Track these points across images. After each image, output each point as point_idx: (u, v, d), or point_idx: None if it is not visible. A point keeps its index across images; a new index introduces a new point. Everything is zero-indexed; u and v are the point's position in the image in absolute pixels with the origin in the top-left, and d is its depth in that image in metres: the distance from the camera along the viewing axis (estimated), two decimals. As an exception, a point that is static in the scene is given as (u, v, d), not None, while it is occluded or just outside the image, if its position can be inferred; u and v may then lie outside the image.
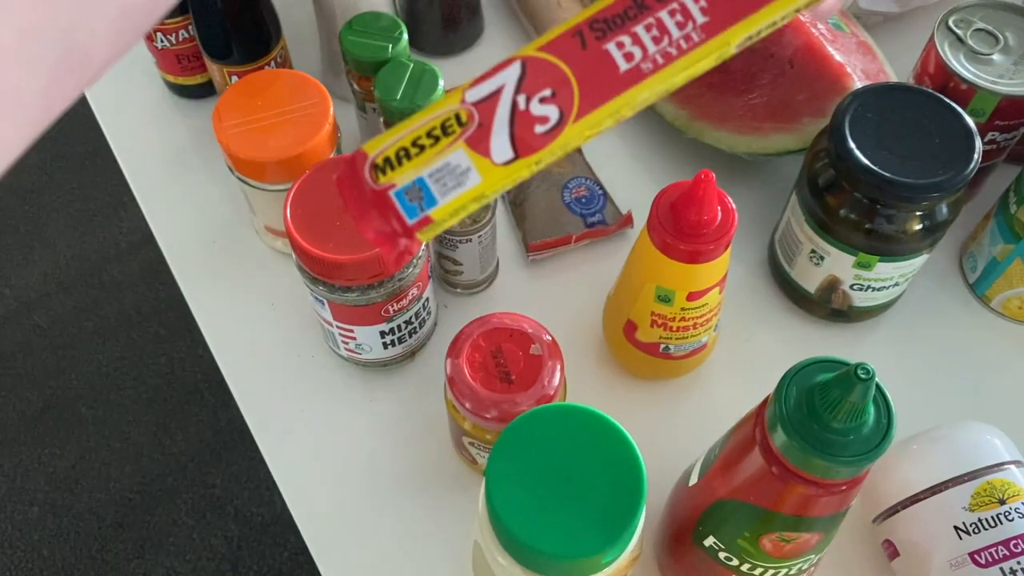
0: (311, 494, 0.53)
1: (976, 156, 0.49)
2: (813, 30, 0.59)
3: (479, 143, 0.23)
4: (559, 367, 0.48)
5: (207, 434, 1.43)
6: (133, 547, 1.34)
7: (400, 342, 0.54)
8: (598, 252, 0.63)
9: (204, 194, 0.66)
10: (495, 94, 0.23)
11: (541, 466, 0.35)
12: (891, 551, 0.48)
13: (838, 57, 0.58)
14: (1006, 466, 0.47)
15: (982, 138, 0.57)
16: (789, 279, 0.59)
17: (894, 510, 0.48)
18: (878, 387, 0.34)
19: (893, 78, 0.62)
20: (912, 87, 0.52)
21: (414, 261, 0.50)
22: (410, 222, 0.24)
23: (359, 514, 0.52)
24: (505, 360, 0.48)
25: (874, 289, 0.55)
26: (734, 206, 0.47)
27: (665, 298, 0.50)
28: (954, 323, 0.60)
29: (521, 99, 0.23)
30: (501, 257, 0.63)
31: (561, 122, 0.23)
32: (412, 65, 0.55)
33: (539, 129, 0.23)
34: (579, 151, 0.66)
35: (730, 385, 0.57)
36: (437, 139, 0.23)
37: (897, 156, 0.49)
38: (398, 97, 0.54)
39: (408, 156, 0.23)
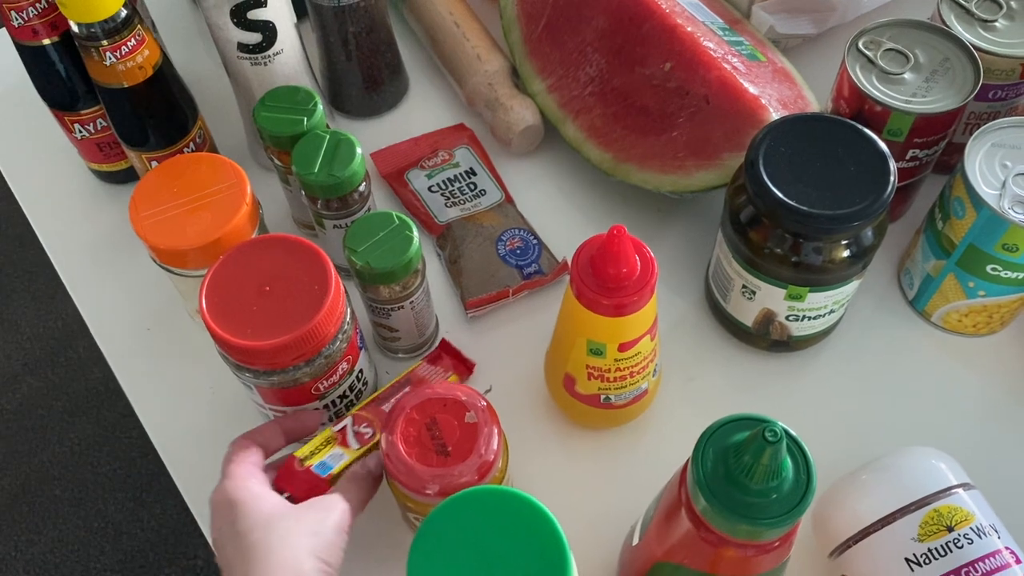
0: None
1: (892, 180, 0.49)
2: (725, 65, 0.59)
3: (343, 443, 0.50)
4: (496, 431, 0.47)
5: (185, 504, 1.40)
6: (118, 628, 1.31)
7: (338, 416, 0.53)
8: (537, 302, 0.62)
9: (135, 280, 0.65)
10: (344, 427, 0.51)
11: (464, 554, 0.34)
12: (848, 587, 0.48)
13: (752, 90, 0.58)
14: (953, 491, 0.46)
15: (903, 157, 0.57)
16: (726, 313, 0.58)
17: (847, 545, 0.47)
18: (794, 440, 0.34)
19: (813, 102, 0.62)
20: (823, 116, 0.52)
21: (339, 336, 0.49)
22: (323, 476, 0.49)
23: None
24: (440, 432, 0.47)
25: (810, 319, 0.55)
26: (652, 255, 0.47)
27: (597, 351, 0.49)
28: (897, 341, 0.60)
29: (355, 427, 0.51)
30: (441, 315, 0.62)
31: (374, 434, 0.50)
32: (328, 136, 0.55)
33: (366, 436, 0.50)
34: (511, 201, 0.65)
35: (678, 428, 0.57)
36: (326, 444, 0.50)
37: (814, 188, 0.49)
38: (315, 170, 0.54)
39: (314, 455, 0.49)
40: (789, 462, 0.33)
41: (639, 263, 0.46)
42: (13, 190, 0.71)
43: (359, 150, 0.55)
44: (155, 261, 0.55)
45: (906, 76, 0.56)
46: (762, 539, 0.34)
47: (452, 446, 0.46)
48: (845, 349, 0.59)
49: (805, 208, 0.48)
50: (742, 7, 0.68)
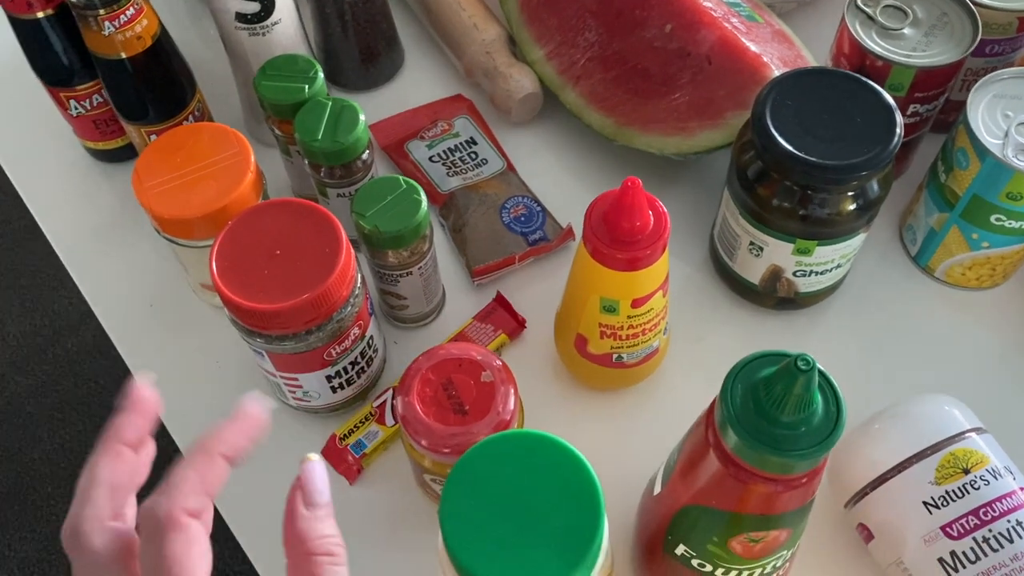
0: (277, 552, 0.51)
1: (899, 130, 0.49)
2: (726, 24, 0.59)
3: (380, 420, 0.55)
4: (512, 390, 0.47)
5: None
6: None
7: (348, 384, 0.53)
8: (543, 268, 0.62)
9: (136, 258, 0.64)
10: (383, 402, 0.55)
11: (495, 498, 0.34)
12: (866, 534, 0.48)
13: (754, 48, 0.58)
14: (966, 435, 0.47)
15: (904, 112, 0.58)
16: (732, 273, 0.58)
17: (863, 493, 0.48)
18: (823, 374, 0.34)
19: (811, 63, 0.62)
20: (828, 70, 0.52)
21: (350, 300, 0.49)
22: (357, 455, 0.54)
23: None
24: (457, 391, 0.47)
25: (817, 273, 0.55)
26: (665, 208, 0.47)
27: (610, 308, 0.49)
28: (902, 296, 0.60)
29: (394, 401, 0.53)
30: (447, 285, 0.62)
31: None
32: (331, 103, 0.55)
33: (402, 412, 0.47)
34: (513, 170, 0.65)
35: (687, 387, 0.57)
36: (364, 421, 0.55)
37: (821, 140, 0.50)
38: (319, 137, 0.53)
39: (352, 433, 0.54)
40: (818, 396, 0.33)
41: (652, 216, 0.46)
42: (6, 170, 0.70)
43: (362, 117, 0.54)
44: (159, 233, 0.55)
45: (905, 31, 0.56)
46: (792, 472, 0.34)
47: (469, 405, 0.46)
48: (850, 306, 0.60)
49: (813, 159, 0.49)
50: (737, -29, 0.68)
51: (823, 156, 0.49)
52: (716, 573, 0.41)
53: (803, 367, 0.31)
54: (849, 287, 0.60)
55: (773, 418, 0.33)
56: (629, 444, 0.55)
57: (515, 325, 0.59)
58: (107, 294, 0.63)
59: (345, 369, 0.52)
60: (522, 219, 0.62)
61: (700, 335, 0.59)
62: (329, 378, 0.51)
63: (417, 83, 0.72)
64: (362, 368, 0.53)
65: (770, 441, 0.33)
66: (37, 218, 0.67)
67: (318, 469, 0.34)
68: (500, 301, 0.59)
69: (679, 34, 0.60)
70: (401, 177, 0.52)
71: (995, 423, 0.49)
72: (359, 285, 0.50)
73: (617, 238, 0.46)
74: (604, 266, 0.47)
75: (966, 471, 0.45)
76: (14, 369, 1.55)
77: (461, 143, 0.66)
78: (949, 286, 0.60)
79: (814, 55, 0.63)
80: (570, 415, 0.57)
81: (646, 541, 0.45)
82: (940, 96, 0.58)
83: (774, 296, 0.58)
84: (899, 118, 0.50)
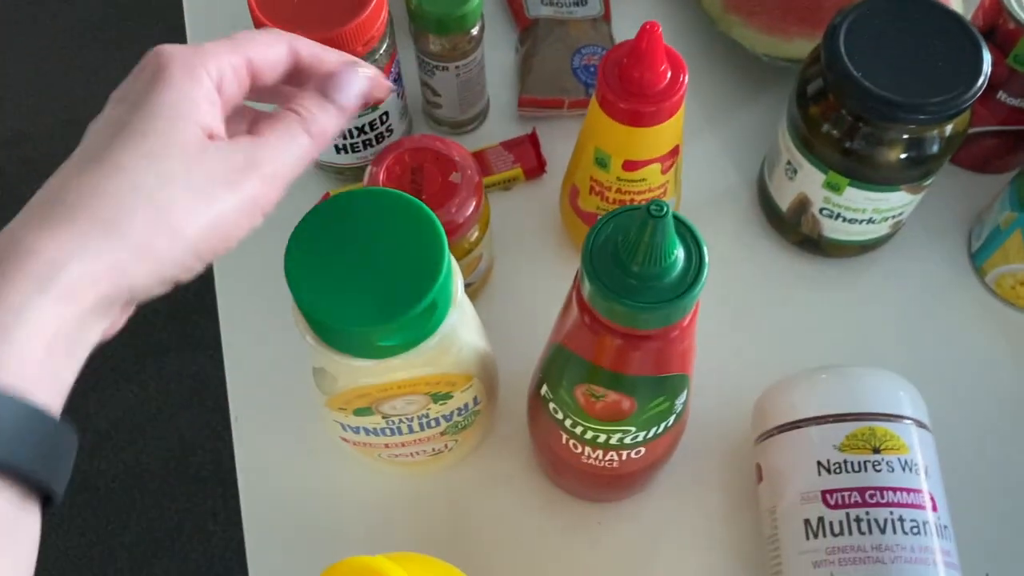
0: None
1: (979, 84, 0.44)
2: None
3: None
4: (474, 202, 0.47)
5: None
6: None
7: (352, 149, 0.54)
8: (591, 126, 0.61)
9: None
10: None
11: (342, 247, 0.35)
12: (758, 475, 0.46)
13: (885, -34, 0.52)
14: (901, 420, 0.43)
15: (1021, 93, 0.51)
16: (767, 193, 0.55)
17: (771, 433, 0.45)
18: (692, 232, 0.32)
19: (956, 3, 0.56)
20: (930, 2, 0.47)
21: (368, 58, 0.49)
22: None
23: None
24: (422, 179, 0.47)
25: (845, 219, 0.51)
26: (685, 74, 0.44)
27: (602, 162, 0.48)
28: (939, 287, 0.55)
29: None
30: (497, 106, 0.61)
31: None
32: None
33: None
34: (608, 20, 0.63)
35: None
36: None
37: (890, 72, 0.45)
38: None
39: None
40: (679, 251, 0.31)
41: (668, 74, 0.44)
42: None
43: None
44: None
45: (1061, 2, 0.49)
46: (639, 326, 0.33)
47: (427, 196, 0.47)
48: (880, 274, 0.55)
49: (869, 85, 0.44)
50: None
51: (883, 87, 0.44)
52: (565, 423, 0.40)
53: (655, 212, 0.29)
54: (887, 255, 0.55)
55: (625, 266, 0.31)
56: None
57: (535, 164, 0.58)
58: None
59: (351, 132, 0.53)
60: (591, 69, 0.60)
61: (711, 246, 0.56)
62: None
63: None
64: (369, 140, 0.54)
65: (618, 289, 0.32)
66: None
67: (360, 79, 0.33)
68: (531, 138, 0.59)
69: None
70: (467, -33, 0.52)
71: (974, 450, 0.45)
72: (383, 51, 0.50)
73: (623, 86, 0.44)
74: (605, 113, 0.45)
75: (876, 450, 0.42)
76: None
77: (571, -23, 0.64)
78: (995, 297, 0.54)
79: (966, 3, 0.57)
80: (547, 268, 0.56)
81: (533, 380, 0.45)
82: (1071, 88, 0.51)
83: (798, 231, 0.54)
84: (986, 70, 0.44)
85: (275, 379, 0.52)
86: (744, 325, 0.54)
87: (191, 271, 0.30)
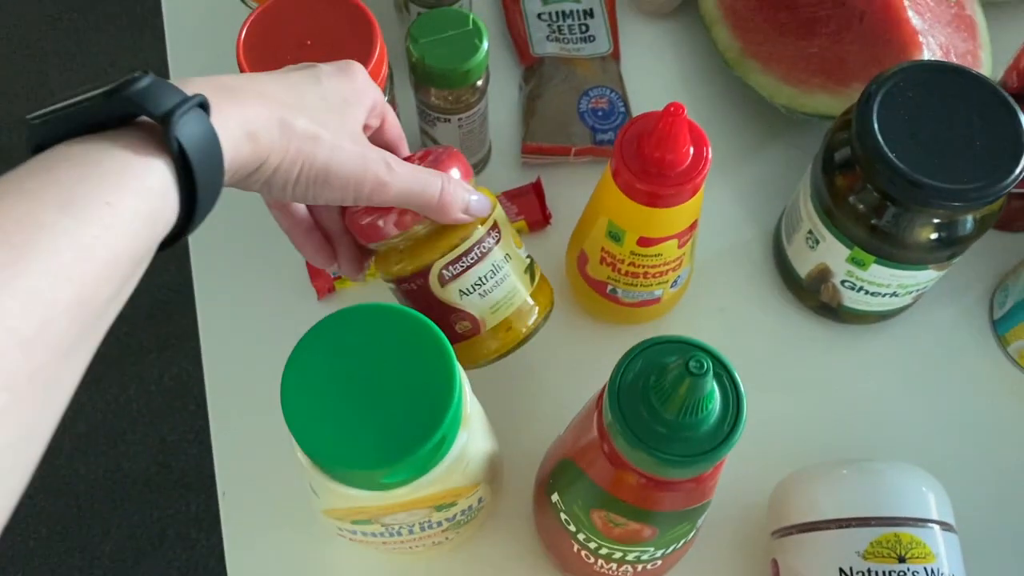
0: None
1: (1019, 170, 0.41)
2: (900, -15, 0.50)
3: None
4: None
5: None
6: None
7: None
8: (595, 175, 0.57)
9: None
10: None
11: (343, 371, 0.32)
12: (774, 571, 0.44)
13: (916, 23, 0.49)
14: (927, 524, 0.41)
15: (1056, 159, 0.48)
16: (785, 257, 0.52)
17: (791, 531, 0.43)
18: (728, 372, 0.29)
19: (985, 65, 0.53)
20: (970, 72, 0.44)
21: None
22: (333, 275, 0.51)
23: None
24: None
25: (868, 293, 0.48)
26: (708, 152, 0.41)
27: (615, 236, 0.45)
28: (962, 357, 0.52)
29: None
30: (499, 147, 0.58)
31: None
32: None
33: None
34: (616, 59, 0.59)
35: (683, 350, 0.52)
36: None
37: (925, 150, 0.42)
38: None
39: None
40: (716, 403, 0.29)
41: (691, 155, 0.41)
42: None
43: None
44: None
45: (1102, 68, 0.47)
46: (661, 475, 0.30)
47: None
48: (899, 342, 0.53)
49: (901, 165, 0.42)
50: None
51: (917, 169, 0.42)
52: (578, 536, 0.38)
53: (694, 370, 0.26)
54: (906, 322, 0.53)
55: (656, 412, 0.29)
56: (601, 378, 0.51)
57: (539, 217, 0.55)
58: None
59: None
60: (599, 113, 0.57)
61: (724, 306, 0.54)
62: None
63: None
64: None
65: (644, 435, 0.29)
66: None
67: (480, 204, 0.40)
68: (536, 187, 0.56)
69: (845, -24, 0.52)
70: (472, 15, 0.48)
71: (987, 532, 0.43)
72: (388, 91, 0.47)
73: (642, 166, 0.41)
74: (620, 190, 0.42)
75: (901, 559, 0.40)
76: None
77: (578, 10, 0.60)
78: (1019, 368, 0.52)
79: (994, 59, 0.54)
80: (552, 330, 0.53)
81: (540, 476, 0.42)
82: (1108, 157, 0.48)
83: (816, 298, 0.51)
84: (1027, 158, 0.42)
85: (263, 455, 0.49)
86: (758, 398, 0.51)
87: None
